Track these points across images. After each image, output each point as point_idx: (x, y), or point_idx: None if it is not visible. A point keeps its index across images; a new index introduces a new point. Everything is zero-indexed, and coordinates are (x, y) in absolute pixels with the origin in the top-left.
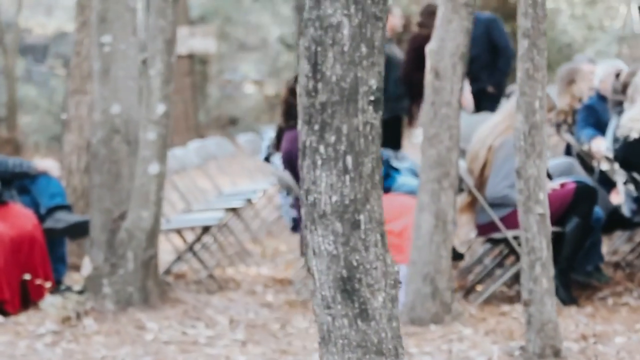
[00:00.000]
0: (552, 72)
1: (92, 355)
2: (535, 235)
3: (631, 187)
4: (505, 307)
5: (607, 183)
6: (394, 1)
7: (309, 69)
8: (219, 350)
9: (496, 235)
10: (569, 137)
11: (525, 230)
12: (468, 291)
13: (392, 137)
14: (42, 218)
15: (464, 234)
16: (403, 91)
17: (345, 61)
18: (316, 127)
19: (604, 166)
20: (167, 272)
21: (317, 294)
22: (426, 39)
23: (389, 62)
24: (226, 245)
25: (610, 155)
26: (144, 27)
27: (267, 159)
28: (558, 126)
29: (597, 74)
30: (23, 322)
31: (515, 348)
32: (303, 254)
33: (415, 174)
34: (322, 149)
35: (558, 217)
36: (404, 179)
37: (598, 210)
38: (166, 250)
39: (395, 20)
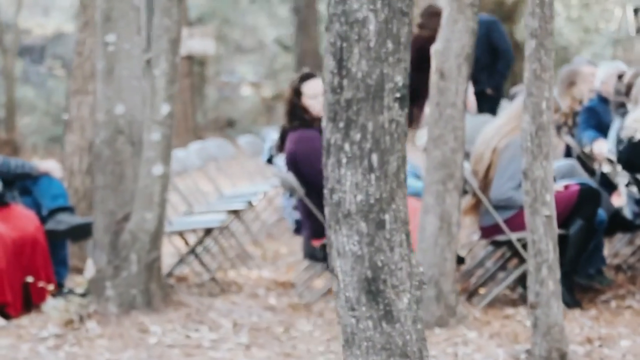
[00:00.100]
0: None
1: (95, 358)
2: (542, 237)
3: (634, 189)
4: (509, 310)
5: (608, 185)
6: None
7: (334, 65)
8: (223, 354)
9: (500, 238)
10: (569, 139)
11: (532, 232)
12: (471, 294)
13: None
14: (43, 220)
15: (466, 236)
16: None
17: (371, 57)
18: (341, 124)
19: (606, 168)
20: (169, 274)
21: (340, 295)
22: (427, 40)
23: None
24: (227, 248)
25: (613, 157)
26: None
27: (269, 161)
28: (558, 128)
29: (598, 75)
30: (25, 325)
31: (520, 351)
32: (305, 256)
33: (416, 175)
34: (347, 147)
35: (562, 220)
36: (410, 181)
37: (601, 213)
38: (167, 252)
39: None
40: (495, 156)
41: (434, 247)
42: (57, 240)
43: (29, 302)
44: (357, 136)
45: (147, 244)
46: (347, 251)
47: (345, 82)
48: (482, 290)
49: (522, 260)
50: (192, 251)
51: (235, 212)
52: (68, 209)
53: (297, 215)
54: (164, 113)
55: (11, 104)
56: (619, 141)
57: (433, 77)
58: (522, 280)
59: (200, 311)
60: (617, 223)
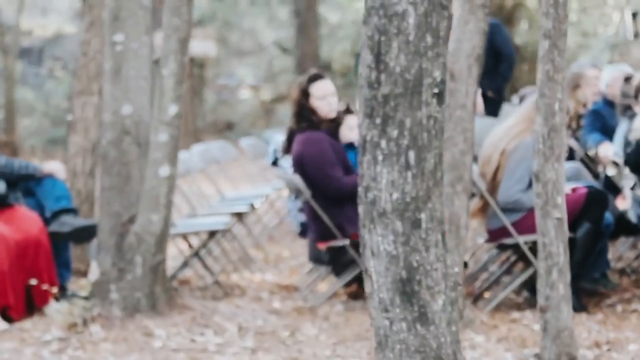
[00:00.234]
0: None
1: None
2: (553, 240)
3: (638, 192)
4: (516, 314)
5: (612, 189)
6: None
7: (372, 59)
8: (229, 358)
9: (507, 241)
10: (572, 143)
11: (543, 235)
12: (476, 298)
13: None
14: (47, 221)
15: (471, 239)
16: None
17: (410, 51)
18: (378, 120)
19: (610, 171)
20: (173, 277)
21: (374, 296)
22: None
23: None
24: (229, 251)
25: (618, 160)
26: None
27: (274, 163)
28: None
29: (603, 78)
30: (28, 328)
31: (529, 356)
32: (311, 259)
33: None
34: (383, 143)
35: (569, 223)
36: None
37: (608, 216)
38: (170, 255)
39: None
40: (503, 158)
41: None
42: (60, 242)
43: (31, 304)
44: (394, 133)
45: (152, 246)
46: (381, 251)
47: (382, 76)
48: (486, 294)
49: (527, 264)
50: (196, 254)
51: (239, 215)
52: (72, 211)
53: (302, 217)
54: (172, 114)
55: (11, 106)
56: (627, 144)
57: None
58: (527, 284)
59: (205, 315)
60: (622, 226)
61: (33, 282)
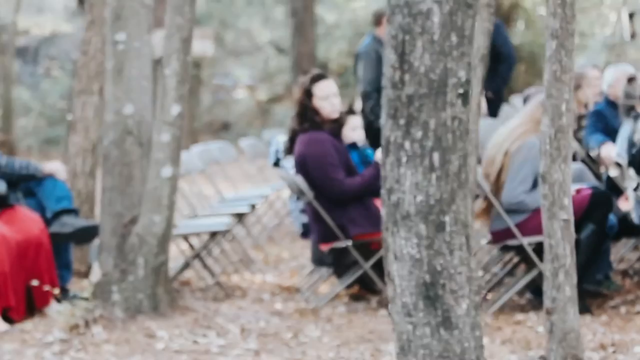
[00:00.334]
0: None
1: None
2: (560, 242)
3: None
4: (520, 316)
5: (615, 190)
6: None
7: (396, 59)
8: None
9: (511, 242)
10: (574, 143)
11: (549, 236)
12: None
13: None
14: (48, 222)
15: (474, 241)
16: None
17: (434, 51)
18: (402, 121)
19: (613, 172)
20: (174, 278)
21: (396, 300)
22: None
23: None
24: (229, 252)
25: (621, 160)
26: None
27: (276, 164)
28: None
29: (605, 78)
30: (29, 329)
31: (534, 358)
32: (314, 260)
33: None
34: (407, 145)
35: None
36: None
37: (611, 218)
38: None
39: None
40: (507, 159)
41: None
42: (61, 243)
43: (32, 305)
44: (419, 134)
45: (154, 247)
46: (404, 254)
47: (407, 77)
48: (489, 296)
49: (530, 265)
50: (198, 255)
51: (239, 216)
52: (73, 211)
53: (304, 218)
54: (174, 114)
55: (8, 105)
56: (632, 144)
57: None
58: (530, 286)
59: (207, 316)
60: (624, 228)
61: (34, 283)
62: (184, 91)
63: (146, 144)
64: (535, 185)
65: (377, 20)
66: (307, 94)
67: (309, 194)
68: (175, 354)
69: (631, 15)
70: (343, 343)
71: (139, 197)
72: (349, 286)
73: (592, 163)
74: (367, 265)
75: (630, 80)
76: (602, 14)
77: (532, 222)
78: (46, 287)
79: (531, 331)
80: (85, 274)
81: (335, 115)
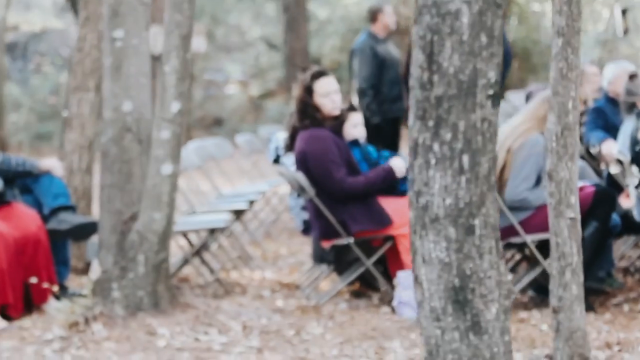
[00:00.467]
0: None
1: None
2: (566, 240)
3: None
4: (523, 314)
5: (615, 187)
6: (385, 0)
7: (424, 60)
8: (235, 358)
9: (514, 240)
10: None
11: (556, 235)
12: None
13: (389, 140)
14: (45, 219)
15: None
16: (398, 92)
17: (464, 51)
18: (430, 123)
19: (613, 169)
20: (173, 275)
21: (425, 305)
22: None
23: (384, 62)
24: (228, 249)
25: (623, 157)
26: None
27: (276, 161)
28: None
29: (605, 75)
30: (28, 326)
31: (540, 356)
32: (315, 257)
33: None
34: (436, 147)
35: None
36: None
37: (614, 216)
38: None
39: (389, 19)
40: (509, 156)
41: None
42: (59, 240)
43: (29, 303)
44: (448, 136)
45: (155, 244)
46: (433, 258)
47: (435, 77)
48: None
49: (532, 263)
50: (198, 252)
51: (237, 212)
52: (70, 208)
53: (304, 215)
54: (174, 111)
55: (0, 101)
56: (635, 142)
57: None
58: (532, 283)
59: (208, 313)
60: (626, 225)
61: (33, 280)
62: (183, 88)
63: (145, 141)
64: (538, 182)
65: (373, 16)
66: (308, 90)
67: (310, 191)
68: (177, 352)
69: (624, 12)
70: (346, 340)
71: (139, 195)
72: (349, 283)
73: (592, 160)
74: (369, 263)
75: (632, 77)
76: (595, 10)
77: (535, 220)
78: (45, 284)
79: (535, 329)
80: (83, 271)
81: (336, 112)
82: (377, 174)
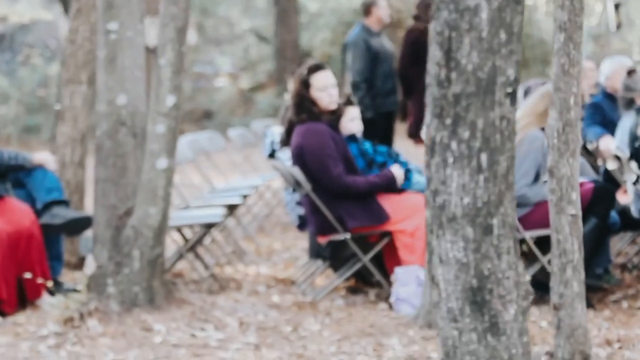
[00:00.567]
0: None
1: (99, 358)
2: (567, 237)
3: None
4: None
5: (612, 183)
6: None
7: (442, 56)
8: (232, 354)
9: None
10: None
11: (557, 231)
12: None
13: (383, 134)
14: (38, 213)
15: None
16: (392, 86)
17: (482, 48)
18: (448, 121)
19: (611, 165)
20: (167, 270)
21: (442, 305)
22: (422, 32)
23: (377, 56)
24: (221, 243)
25: (621, 153)
26: None
27: (271, 155)
28: None
29: (602, 71)
30: (22, 322)
31: (540, 354)
32: (311, 253)
33: (419, 171)
34: (454, 145)
35: None
36: (417, 177)
37: (613, 214)
38: None
39: (382, 12)
40: None
41: None
42: (52, 235)
43: (23, 298)
44: (466, 134)
45: (150, 239)
46: (450, 258)
47: (453, 75)
48: None
49: (532, 260)
50: (192, 247)
51: (231, 207)
52: (63, 203)
53: (300, 210)
54: (170, 104)
55: None
56: (635, 138)
57: None
58: (531, 280)
59: (204, 309)
60: (623, 221)
61: (27, 275)
62: (179, 81)
63: (140, 134)
64: (537, 178)
65: (366, 9)
66: (305, 84)
67: (307, 186)
68: (174, 348)
69: (617, 6)
70: (344, 337)
71: (134, 189)
72: (345, 279)
73: (589, 156)
74: (366, 259)
75: (630, 72)
76: (588, 4)
77: (534, 216)
78: (39, 280)
79: (534, 326)
80: (76, 266)
81: (333, 106)
82: (380, 180)
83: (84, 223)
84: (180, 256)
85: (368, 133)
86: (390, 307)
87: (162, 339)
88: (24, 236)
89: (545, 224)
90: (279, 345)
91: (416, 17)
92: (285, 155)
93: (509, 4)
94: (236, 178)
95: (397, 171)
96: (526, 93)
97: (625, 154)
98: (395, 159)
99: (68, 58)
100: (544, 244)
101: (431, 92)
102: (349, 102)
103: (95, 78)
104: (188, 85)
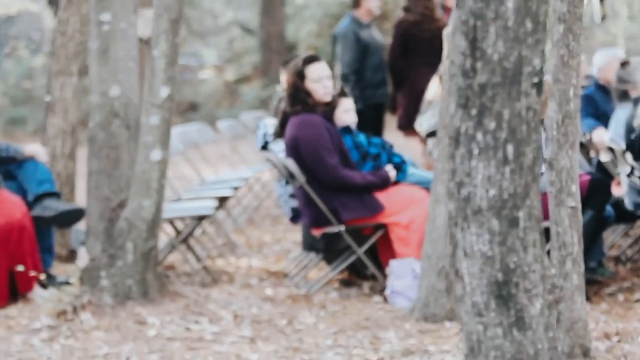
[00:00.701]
0: None
1: (93, 352)
2: (567, 230)
3: (635, 179)
4: None
5: (605, 175)
6: None
7: (467, 46)
8: (227, 348)
9: None
10: None
11: (556, 224)
12: None
13: (372, 126)
14: (29, 205)
15: None
16: (382, 78)
17: (509, 38)
18: (473, 111)
19: (604, 157)
20: (160, 263)
21: (466, 300)
22: (412, 24)
23: (367, 48)
24: (212, 236)
25: (614, 145)
26: None
27: (264, 147)
28: None
29: (595, 62)
30: (14, 315)
31: None
32: (305, 246)
33: (412, 164)
34: (479, 136)
35: None
36: (412, 169)
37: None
38: None
39: (372, 3)
40: None
41: (444, 237)
42: (43, 227)
43: (14, 291)
44: (492, 125)
45: (144, 232)
46: (475, 251)
47: (479, 64)
48: None
49: None
50: (185, 240)
51: (222, 199)
52: (55, 195)
53: (293, 203)
54: (163, 96)
55: None
56: (631, 129)
57: (445, 62)
58: None
59: (198, 302)
60: (617, 214)
61: (20, 268)
62: (173, 73)
63: (133, 126)
64: None
65: (356, 1)
66: (300, 75)
67: (301, 178)
68: (168, 342)
69: None
70: (340, 330)
71: (127, 181)
72: (338, 272)
73: (582, 148)
74: (360, 251)
75: (624, 64)
76: None
77: None
78: (32, 273)
79: None
80: (67, 258)
81: (327, 98)
82: (376, 178)
83: (75, 215)
84: (172, 248)
85: (357, 125)
86: (385, 300)
87: (157, 332)
88: (16, 228)
89: (545, 216)
90: (274, 338)
91: (406, 9)
92: (279, 147)
93: None
94: (225, 170)
95: (392, 174)
96: None
97: (619, 146)
98: (389, 150)
99: (58, 49)
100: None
101: (456, 82)
102: (343, 94)
103: (86, 70)
104: None
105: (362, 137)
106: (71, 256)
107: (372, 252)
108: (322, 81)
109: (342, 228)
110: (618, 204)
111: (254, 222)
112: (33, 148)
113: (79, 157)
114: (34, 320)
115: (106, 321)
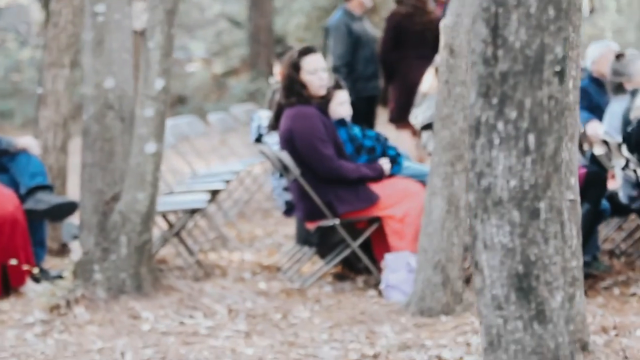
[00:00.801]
0: None
1: (87, 347)
2: (566, 223)
3: (630, 172)
4: None
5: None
6: None
7: (488, 34)
8: (222, 342)
9: None
10: None
11: None
12: (468, 279)
13: (364, 119)
14: (22, 198)
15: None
16: (374, 71)
17: (531, 25)
18: (494, 100)
19: (598, 150)
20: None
21: (486, 292)
22: (404, 16)
23: (359, 40)
24: (204, 229)
25: (609, 138)
26: None
27: (258, 140)
28: None
29: (589, 55)
30: (6, 309)
31: None
32: (298, 240)
33: (406, 157)
34: (500, 125)
35: None
36: (407, 162)
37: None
38: None
39: None
40: None
41: (440, 231)
42: (36, 220)
43: (7, 285)
44: (513, 114)
45: (138, 225)
46: (495, 243)
47: (500, 52)
48: None
49: None
50: (177, 233)
51: (214, 193)
52: (47, 188)
53: (287, 196)
54: (158, 88)
55: None
56: (627, 122)
57: (442, 53)
58: None
59: (192, 296)
60: (611, 207)
61: (13, 262)
62: (168, 65)
63: (128, 118)
64: None
65: None
66: (295, 67)
67: (295, 171)
68: (163, 336)
69: None
70: (335, 324)
71: (121, 174)
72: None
73: None
74: (355, 245)
75: (619, 56)
76: None
77: None
78: (25, 267)
79: None
80: (58, 252)
81: (322, 90)
82: (371, 171)
83: (68, 208)
84: (165, 242)
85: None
86: (380, 294)
87: (151, 326)
88: (8, 222)
89: None
90: (269, 332)
91: (398, 2)
92: (273, 140)
93: None
94: (216, 163)
95: (387, 167)
96: None
97: (613, 139)
98: (384, 143)
99: (50, 41)
100: None
101: (476, 71)
102: (338, 86)
103: (78, 61)
104: None
105: (356, 130)
106: (62, 250)
107: (366, 247)
108: (317, 73)
109: (336, 221)
110: (612, 197)
111: (245, 216)
112: (26, 141)
113: (71, 149)
114: (27, 314)
115: (100, 315)
